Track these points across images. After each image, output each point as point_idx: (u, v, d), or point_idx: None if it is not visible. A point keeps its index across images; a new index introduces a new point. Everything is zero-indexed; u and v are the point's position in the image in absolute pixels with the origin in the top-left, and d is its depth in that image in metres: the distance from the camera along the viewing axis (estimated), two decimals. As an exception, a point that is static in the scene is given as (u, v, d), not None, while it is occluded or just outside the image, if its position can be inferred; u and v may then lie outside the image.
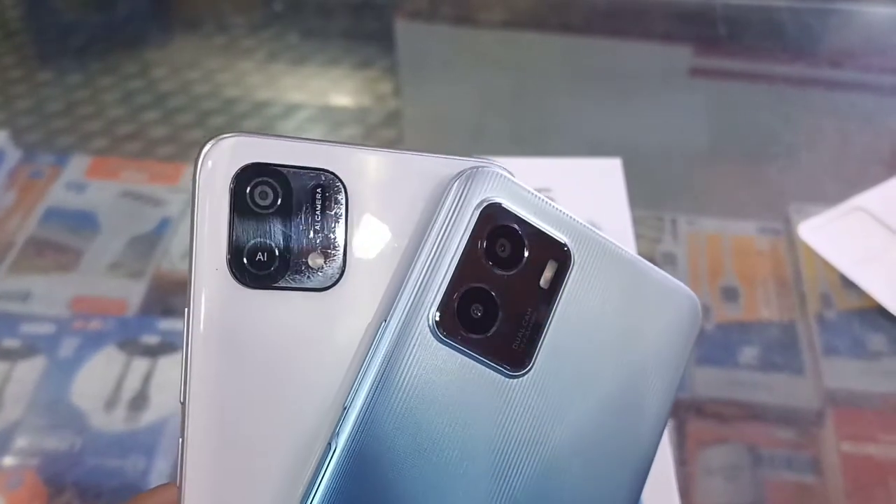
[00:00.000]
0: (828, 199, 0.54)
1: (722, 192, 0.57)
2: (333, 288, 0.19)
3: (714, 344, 0.46)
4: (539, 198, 0.19)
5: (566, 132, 0.62)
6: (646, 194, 0.52)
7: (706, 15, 0.73)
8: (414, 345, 0.18)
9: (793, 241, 0.52)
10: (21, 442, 0.42)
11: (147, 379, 0.44)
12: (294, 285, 0.18)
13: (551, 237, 0.19)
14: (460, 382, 0.18)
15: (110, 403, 0.43)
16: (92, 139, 0.63)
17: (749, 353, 0.46)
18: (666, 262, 0.51)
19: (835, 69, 0.69)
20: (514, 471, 0.19)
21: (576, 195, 0.43)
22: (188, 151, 0.62)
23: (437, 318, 0.18)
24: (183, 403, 0.18)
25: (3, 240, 0.53)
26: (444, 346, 0.18)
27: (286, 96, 0.68)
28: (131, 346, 0.46)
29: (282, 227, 0.18)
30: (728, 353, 0.46)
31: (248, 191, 0.18)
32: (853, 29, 0.74)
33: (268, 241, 0.18)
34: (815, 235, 0.51)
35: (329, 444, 0.18)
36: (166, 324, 0.47)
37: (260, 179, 0.18)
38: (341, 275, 0.19)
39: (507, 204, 0.19)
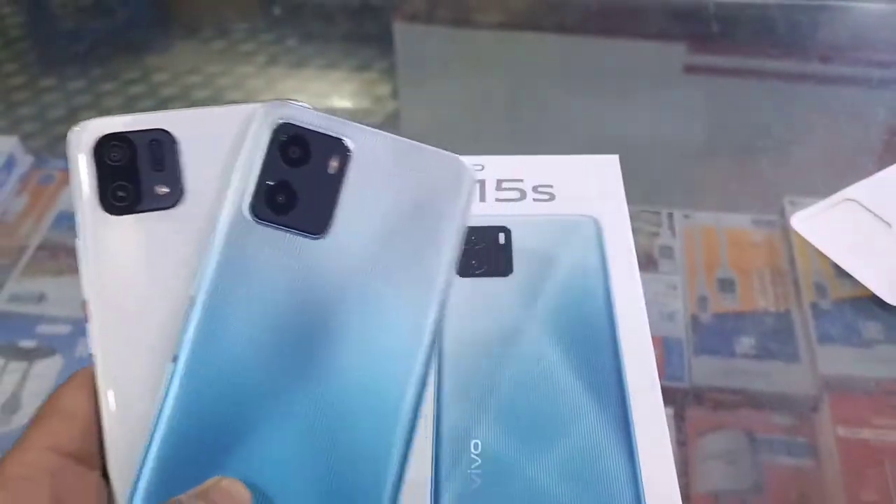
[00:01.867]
0: (821, 191, 0.54)
1: (717, 186, 0.58)
2: (177, 206, 0.26)
3: (711, 334, 0.47)
4: (323, 115, 0.26)
5: (564, 131, 0.63)
6: (643, 190, 0.53)
7: (699, 13, 0.74)
8: (237, 229, 0.25)
9: (787, 233, 0.52)
10: (40, 439, 0.43)
11: (162, 376, 0.45)
12: (149, 208, 0.26)
13: (332, 137, 0.26)
14: (276, 249, 0.25)
15: (127, 400, 0.44)
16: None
17: (746, 343, 0.47)
18: (663, 255, 0.52)
19: (825, 64, 0.70)
20: (318, 320, 0.25)
21: (575, 191, 0.44)
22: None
23: (251, 208, 0.25)
24: (85, 301, 0.25)
25: (16, 244, 0.54)
26: (259, 227, 0.25)
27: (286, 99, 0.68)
28: (145, 344, 0.47)
29: (133, 171, 0.25)
30: (725, 343, 0.46)
31: (105, 152, 0.25)
32: (842, 25, 0.75)
33: (124, 183, 0.25)
34: (807, 226, 0.52)
35: (190, 303, 0.25)
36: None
37: (113, 143, 0.25)
38: (181, 195, 0.26)
39: (296, 121, 0.26)
